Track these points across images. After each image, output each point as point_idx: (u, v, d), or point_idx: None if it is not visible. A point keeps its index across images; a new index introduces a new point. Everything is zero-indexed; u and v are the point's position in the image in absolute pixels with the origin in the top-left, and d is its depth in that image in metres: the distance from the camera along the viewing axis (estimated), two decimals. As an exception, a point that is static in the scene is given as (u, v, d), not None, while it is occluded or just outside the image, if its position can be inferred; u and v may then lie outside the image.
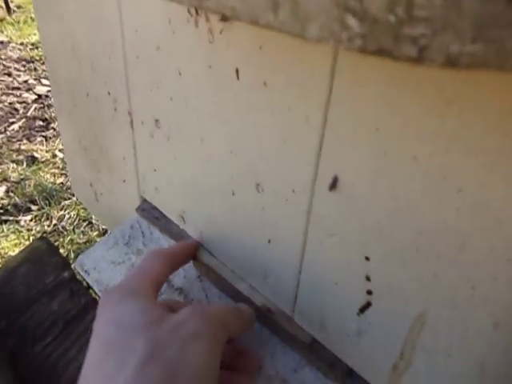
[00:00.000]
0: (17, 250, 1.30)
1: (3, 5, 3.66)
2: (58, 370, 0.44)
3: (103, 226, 1.38)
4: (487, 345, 0.26)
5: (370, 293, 0.32)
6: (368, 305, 0.33)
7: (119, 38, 0.47)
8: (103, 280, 0.52)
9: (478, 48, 0.13)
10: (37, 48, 2.96)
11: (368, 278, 0.32)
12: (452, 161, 0.23)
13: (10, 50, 2.89)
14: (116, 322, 0.30)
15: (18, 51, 2.90)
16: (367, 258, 0.31)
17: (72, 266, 0.54)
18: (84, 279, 0.53)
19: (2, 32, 3.25)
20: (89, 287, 0.53)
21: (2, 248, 1.30)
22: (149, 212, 0.57)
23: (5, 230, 1.39)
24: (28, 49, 2.96)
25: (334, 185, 0.31)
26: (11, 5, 3.66)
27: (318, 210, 0.33)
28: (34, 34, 3.21)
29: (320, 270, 0.35)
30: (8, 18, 3.58)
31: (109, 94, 0.55)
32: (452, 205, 0.24)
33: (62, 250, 1.32)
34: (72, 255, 1.29)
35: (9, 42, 3.07)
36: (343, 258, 0.33)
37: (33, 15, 3.69)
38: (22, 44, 3.04)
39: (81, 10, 0.52)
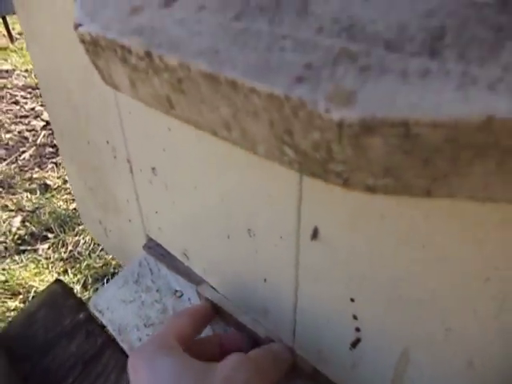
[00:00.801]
0: (37, 280, 1.35)
1: (5, 33, 3.75)
2: (80, 411, 0.47)
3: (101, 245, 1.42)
4: (464, 382, 0.28)
5: (358, 330, 0.35)
6: (358, 340, 0.35)
7: (112, 96, 0.50)
8: (116, 319, 0.55)
9: (389, 181, 0.15)
10: (41, 74, 3.03)
11: (355, 317, 0.34)
12: (415, 220, 0.25)
13: (16, 78, 2.97)
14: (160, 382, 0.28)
15: (24, 78, 2.97)
16: (352, 300, 0.34)
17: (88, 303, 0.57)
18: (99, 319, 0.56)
19: (6, 60, 3.34)
20: (104, 326, 0.57)
21: (23, 278, 1.35)
22: (155, 249, 0.60)
23: (23, 259, 1.44)
24: (33, 75, 3.03)
25: (315, 235, 0.33)
26: (13, 32, 3.75)
27: (305, 257, 0.35)
28: (37, 60, 3.29)
29: (313, 308, 0.38)
30: (11, 45, 3.67)
31: (107, 142, 0.58)
32: (419, 259, 0.26)
33: (79, 276, 1.36)
34: (90, 280, 1.34)
35: (13, 70, 3.15)
36: (331, 299, 0.35)
37: (35, 40, 3.78)
38: (26, 71, 3.11)
39: (73, 60, 0.56)
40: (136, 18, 0.24)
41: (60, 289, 0.61)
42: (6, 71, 3.16)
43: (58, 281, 0.61)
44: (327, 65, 0.16)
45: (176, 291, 0.57)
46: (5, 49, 3.60)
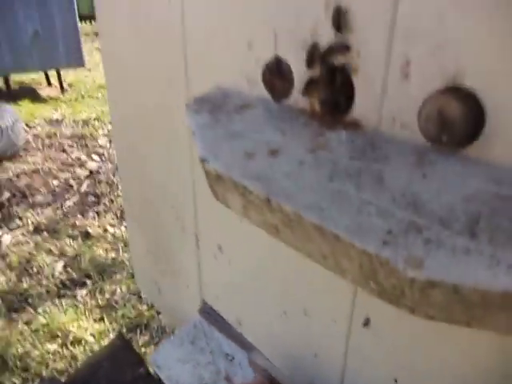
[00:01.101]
0: (75, 326, 1.42)
1: (58, 85, 4.09)
2: None
3: (150, 302, 1.49)
4: None
5: (400, 408, 0.41)
6: (399, 418, 0.42)
7: (190, 181, 0.60)
8: (173, 376, 0.62)
9: (443, 315, 0.23)
10: (87, 125, 3.28)
11: (398, 397, 0.41)
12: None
13: (64, 128, 3.21)
14: None
15: (71, 128, 3.22)
16: (396, 380, 0.40)
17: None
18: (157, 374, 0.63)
19: (57, 110, 3.63)
20: (162, 382, 0.63)
21: (62, 323, 1.43)
22: (210, 314, 0.67)
23: (63, 304, 1.53)
24: (80, 125, 3.28)
25: (366, 323, 0.41)
26: (64, 84, 4.09)
27: (355, 340, 0.43)
28: (85, 111, 3.56)
29: (359, 385, 0.45)
30: (61, 96, 4.00)
31: (177, 218, 0.68)
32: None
33: (114, 325, 1.43)
34: (124, 329, 1.40)
35: (62, 120, 3.41)
36: (376, 379, 0.42)
37: (83, 93, 4.11)
38: (74, 121, 3.37)
39: (156, 146, 0.67)
40: (251, 164, 0.34)
41: (121, 343, 0.68)
42: (56, 121, 3.43)
43: (119, 335, 0.69)
44: (402, 233, 0.25)
45: (227, 355, 0.64)
46: (56, 99, 3.91)
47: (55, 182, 2.42)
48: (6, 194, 2.30)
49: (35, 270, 1.71)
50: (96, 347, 1.34)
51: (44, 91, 4.17)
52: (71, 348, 1.35)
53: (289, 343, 0.52)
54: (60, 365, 1.30)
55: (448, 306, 0.22)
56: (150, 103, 0.64)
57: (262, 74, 0.42)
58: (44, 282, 1.65)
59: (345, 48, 0.34)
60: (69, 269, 1.71)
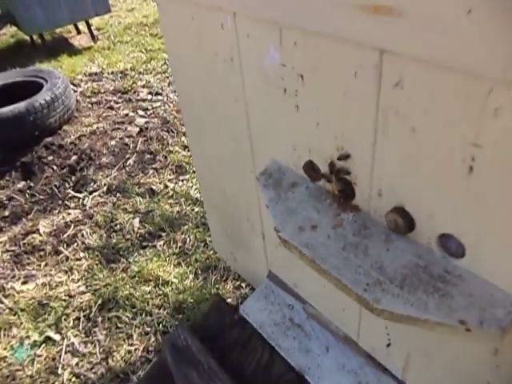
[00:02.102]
0: (161, 270, 1.89)
1: (87, 32, 4.28)
2: None
3: (228, 265, 1.90)
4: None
5: None
6: None
7: (256, 198, 0.94)
8: (257, 320, 1.02)
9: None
10: (125, 77, 3.55)
11: None
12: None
13: (106, 82, 3.51)
14: None
15: (112, 82, 3.51)
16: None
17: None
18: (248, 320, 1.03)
19: (93, 62, 3.89)
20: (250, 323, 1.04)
21: (151, 269, 1.90)
22: (275, 279, 1.06)
23: (147, 254, 1.99)
24: (119, 78, 3.55)
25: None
26: (94, 31, 4.26)
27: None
28: (120, 61, 3.80)
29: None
30: (94, 45, 4.21)
31: (248, 220, 1.03)
32: None
33: (191, 267, 1.88)
34: (199, 272, 1.85)
35: (102, 73, 3.69)
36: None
37: (113, 38, 4.30)
38: (112, 73, 3.64)
39: (231, 181, 1.00)
40: (303, 235, 0.67)
41: (220, 299, 1.09)
42: (96, 73, 3.71)
43: (217, 294, 1.09)
44: (372, 285, 0.59)
45: (289, 305, 1.03)
46: (89, 49, 4.15)
47: (113, 142, 2.80)
48: (74, 157, 2.72)
49: (118, 226, 2.17)
50: (180, 286, 1.81)
51: (76, 40, 4.39)
52: (162, 288, 1.82)
53: (328, 298, 0.89)
54: (156, 301, 1.78)
55: (390, 318, 0.57)
56: (226, 154, 0.96)
57: (302, 166, 0.74)
58: (128, 236, 2.10)
59: (347, 172, 0.65)
60: (145, 224, 2.15)
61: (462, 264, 0.57)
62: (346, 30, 0.51)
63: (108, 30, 4.60)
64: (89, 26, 4.18)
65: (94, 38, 4.28)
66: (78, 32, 4.50)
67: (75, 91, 3.40)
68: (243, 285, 1.78)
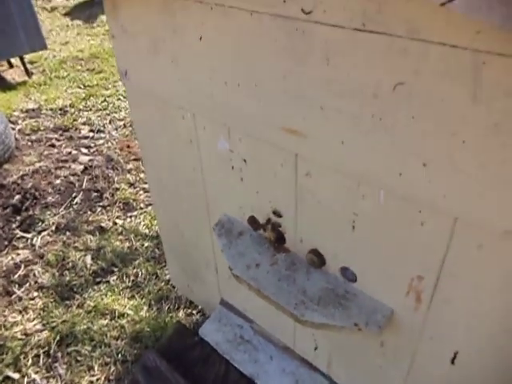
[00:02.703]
0: (116, 304, 2.06)
1: (21, 66, 4.32)
2: None
3: (167, 278, 2.12)
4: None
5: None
6: None
7: (210, 245, 1.20)
8: (213, 339, 1.27)
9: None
10: (65, 114, 3.67)
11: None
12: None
13: (44, 119, 3.60)
14: None
15: (51, 119, 3.61)
16: (313, 335, 1.06)
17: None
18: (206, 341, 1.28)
19: (30, 98, 3.96)
20: (208, 342, 1.28)
21: (106, 303, 2.06)
22: (226, 305, 1.32)
23: (102, 289, 2.15)
24: (58, 115, 3.67)
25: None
26: (27, 65, 4.31)
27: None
28: (58, 98, 3.91)
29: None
30: (29, 80, 4.27)
31: (203, 258, 1.28)
32: None
33: (144, 299, 2.07)
34: (153, 302, 2.05)
35: (39, 109, 3.78)
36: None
37: (48, 73, 4.38)
38: (51, 110, 3.75)
39: (189, 230, 1.26)
40: (250, 271, 0.95)
41: (180, 325, 1.33)
42: (33, 110, 3.79)
43: (177, 322, 1.33)
44: (298, 303, 0.87)
45: (239, 325, 1.29)
46: (24, 84, 4.20)
47: (58, 181, 2.92)
48: (17, 197, 2.80)
49: (70, 264, 2.30)
50: (136, 317, 2.00)
51: (8, 74, 4.41)
52: (118, 320, 2.00)
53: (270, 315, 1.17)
54: (114, 333, 1.95)
55: (312, 326, 0.86)
56: (185, 208, 1.21)
57: (247, 219, 1.02)
58: (81, 273, 2.25)
59: (279, 225, 0.94)
60: (97, 260, 2.31)
61: (356, 286, 0.87)
62: (275, 139, 0.81)
63: (43, 63, 4.67)
64: (22, 60, 4.24)
65: (28, 72, 4.34)
66: (11, 66, 4.53)
67: (13, 129, 3.46)
68: (194, 312, 2.00)
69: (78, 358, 1.86)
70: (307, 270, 0.92)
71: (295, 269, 0.93)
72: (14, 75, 4.39)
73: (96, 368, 1.81)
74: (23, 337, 1.97)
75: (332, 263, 0.89)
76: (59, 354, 1.88)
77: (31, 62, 4.64)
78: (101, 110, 3.75)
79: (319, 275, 0.91)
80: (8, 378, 1.81)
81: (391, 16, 0.55)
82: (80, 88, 4.12)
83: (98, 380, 1.78)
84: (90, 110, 3.75)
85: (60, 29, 5.71)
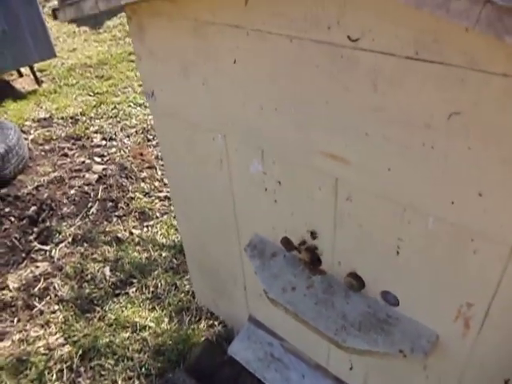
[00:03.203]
0: (137, 316, 2.05)
1: (31, 75, 4.33)
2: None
3: (187, 288, 2.12)
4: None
5: None
6: (352, 368, 1.06)
7: (240, 263, 1.19)
8: (243, 358, 1.26)
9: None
10: (76, 123, 3.67)
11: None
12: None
13: (56, 128, 3.61)
14: None
15: (63, 128, 3.61)
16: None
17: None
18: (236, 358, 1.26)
19: (41, 107, 3.96)
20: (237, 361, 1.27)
21: (127, 315, 2.06)
22: (255, 323, 1.30)
23: (121, 301, 2.14)
24: (70, 123, 3.67)
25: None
26: (37, 74, 4.32)
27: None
28: (69, 106, 3.91)
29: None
30: (39, 88, 4.28)
31: (231, 276, 1.27)
32: None
33: (165, 311, 2.06)
34: (173, 314, 2.04)
35: (51, 118, 3.78)
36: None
37: (57, 81, 4.38)
38: (62, 119, 3.75)
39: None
40: (285, 295, 0.93)
41: (210, 343, 1.31)
42: (45, 119, 3.79)
43: (206, 339, 1.32)
44: (339, 329, 0.85)
45: (269, 343, 1.28)
46: (34, 93, 4.21)
47: (72, 191, 2.92)
48: (33, 208, 2.80)
49: (89, 276, 2.30)
50: (157, 330, 1.99)
51: (18, 83, 4.42)
52: (140, 333, 1.99)
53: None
54: (136, 346, 1.94)
55: (353, 352, 0.84)
56: (213, 228, 1.20)
57: (280, 240, 1.00)
58: (100, 285, 2.25)
59: (315, 247, 0.92)
60: (115, 272, 2.30)
61: (398, 310, 0.85)
62: (313, 163, 0.79)
63: (51, 71, 4.68)
64: (32, 69, 4.25)
65: (38, 81, 4.35)
66: (20, 75, 4.54)
67: (26, 139, 3.47)
68: (216, 323, 1.99)
69: (102, 373, 1.86)
70: (346, 294, 0.90)
71: (333, 292, 0.92)
72: (24, 84, 4.40)
73: (120, 382, 1.81)
74: (46, 351, 1.97)
75: (372, 287, 0.87)
76: (82, 369, 1.88)
77: (40, 71, 4.65)
78: (112, 117, 3.75)
79: (359, 299, 0.89)
80: (33, 393, 1.82)
81: (448, 45, 0.54)
82: (90, 95, 4.13)
83: (122, 394, 1.78)
84: (101, 117, 3.75)
85: (67, 35, 5.72)
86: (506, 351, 0.72)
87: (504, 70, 0.50)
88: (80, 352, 1.93)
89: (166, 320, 2.03)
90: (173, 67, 0.94)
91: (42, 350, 1.97)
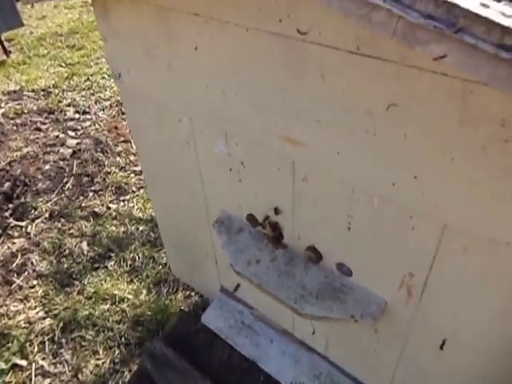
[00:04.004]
0: (116, 289, 2.12)
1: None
2: None
3: (164, 261, 2.19)
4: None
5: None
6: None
7: (210, 238, 1.25)
8: (216, 326, 1.34)
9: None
10: (49, 95, 3.60)
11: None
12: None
13: (27, 101, 3.54)
14: None
15: (35, 101, 3.55)
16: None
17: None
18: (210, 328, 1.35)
19: (10, 79, 3.87)
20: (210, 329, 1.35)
21: (106, 288, 2.12)
22: (225, 292, 1.38)
23: (100, 274, 2.20)
24: (42, 96, 3.60)
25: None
26: (5, 44, 4.18)
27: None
28: (40, 78, 3.83)
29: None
30: (7, 59, 4.16)
31: (203, 249, 1.34)
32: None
33: (143, 283, 2.13)
34: (151, 286, 2.11)
35: (21, 91, 3.71)
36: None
37: (27, 51, 4.26)
38: (33, 91, 3.68)
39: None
40: (250, 267, 1.01)
41: (184, 313, 1.39)
42: (14, 92, 3.71)
43: (180, 310, 1.39)
44: (298, 298, 0.93)
45: (239, 311, 1.36)
46: (2, 63, 4.09)
47: (47, 167, 2.91)
48: (7, 184, 2.80)
49: (67, 251, 2.34)
50: (136, 301, 2.06)
51: (-15, 54, 4.28)
52: (119, 305, 2.06)
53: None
54: (116, 318, 2.02)
55: (312, 318, 0.92)
56: (184, 206, 1.25)
57: (245, 217, 1.06)
58: (78, 260, 2.29)
59: (276, 224, 0.99)
60: (93, 246, 2.35)
61: (352, 280, 0.93)
62: (273, 146, 0.85)
63: (20, 41, 4.54)
64: (0, 41, 4.11)
65: (6, 51, 4.21)
66: (-13, 45, 4.38)
67: (-3, 113, 3.40)
68: (193, 294, 2.07)
69: (83, 344, 1.93)
70: (305, 266, 0.98)
71: (294, 264, 0.99)
72: (-8, 55, 4.26)
73: (101, 352, 1.89)
74: (27, 325, 2.03)
75: (329, 259, 0.95)
76: (64, 341, 1.95)
77: (8, 40, 4.50)
78: (85, 89, 3.69)
79: (317, 270, 0.97)
80: (16, 365, 1.89)
81: (383, 42, 0.59)
82: (61, 67, 4.04)
83: (103, 363, 1.86)
84: (74, 90, 3.69)
85: (35, 1, 5.49)
86: (442, 316, 0.81)
87: (433, 67, 0.56)
88: (61, 325, 2.00)
89: (145, 292, 2.11)
90: (138, 49, 0.97)
91: (22, 323, 2.03)
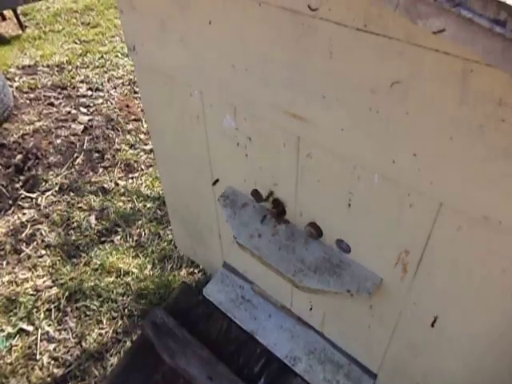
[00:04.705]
0: (121, 262, 2.17)
1: (14, 18, 4.22)
2: None
3: (170, 238, 2.23)
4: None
5: (312, 306, 1.18)
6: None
7: (214, 214, 1.29)
8: (216, 299, 1.38)
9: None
10: (62, 71, 3.64)
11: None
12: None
13: (41, 76, 3.58)
14: None
15: (49, 76, 3.59)
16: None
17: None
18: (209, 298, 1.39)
19: (25, 53, 3.91)
20: (211, 302, 1.39)
21: (112, 262, 2.18)
22: (229, 268, 1.42)
23: (106, 248, 2.25)
24: (56, 72, 3.64)
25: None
26: (21, 17, 4.21)
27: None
28: (54, 54, 3.86)
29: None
30: (23, 34, 4.19)
31: (207, 225, 1.37)
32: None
33: (148, 258, 2.18)
34: (156, 261, 2.16)
35: (36, 66, 3.74)
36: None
37: (42, 27, 4.29)
38: (48, 67, 3.72)
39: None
40: (252, 240, 1.04)
41: (186, 285, 1.43)
42: (29, 66, 3.75)
43: (183, 282, 1.44)
44: (297, 271, 0.97)
45: (240, 286, 1.40)
46: (18, 37, 4.13)
47: (58, 141, 2.96)
48: (19, 156, 2.85)
49: (75, 224, 2.40)
50: (140, 276, 2.11)
51: (1, 27, 4.32)
52: (124, 278, 2.12)
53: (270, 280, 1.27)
54: (120, 290, 2.07)
55: (309, 291, 0.96)
56: (191, 181, 1.28)
57: (250, 192, 1.09)
58: (86, 233, 2.35)
59: (280, 198, 1.02)
60: (101, 220, 2.40)
61: (350, 256, 0.96)
62: (279, 121, 0.87)
63: (35, 16, 4.57)
64: (16, 12, 4.14)
65: (22, 26, 4.25)
66: (4, 18, 4.42)
67: (11, 86, 3.45)
68: (196, 270, 2.12)
69: (87, 313, 2.00)
70: (305, 241, 1.01)
71: (294, 239, 1.02)
72: (8, 28, 4.30)
73: (104, 322, 1.95)
74: (34, 292, 2.09)
75: (328, 235, 0.98)
76: (69, 309, 2.02)
77: (24, 14, 4.54)
78: (98, 67, 3.72)
79: (316, 246, 1.00)
80: (22, 330, 1.95)
81: (389, 20, 0.61)
82: (76, 43, 4.06)
83: (106, 332, 1.92)
84: (88, 67, 3.72)
85: (52, -23, 5.51)
86: (434, 293, 0.84)
87: (435, 45, 0.58)
88: (67, 294, 2.06)
89: (149, 267, 2.16)
90: (152, 21, 0.99)
91: (30, 291, 2.09)
